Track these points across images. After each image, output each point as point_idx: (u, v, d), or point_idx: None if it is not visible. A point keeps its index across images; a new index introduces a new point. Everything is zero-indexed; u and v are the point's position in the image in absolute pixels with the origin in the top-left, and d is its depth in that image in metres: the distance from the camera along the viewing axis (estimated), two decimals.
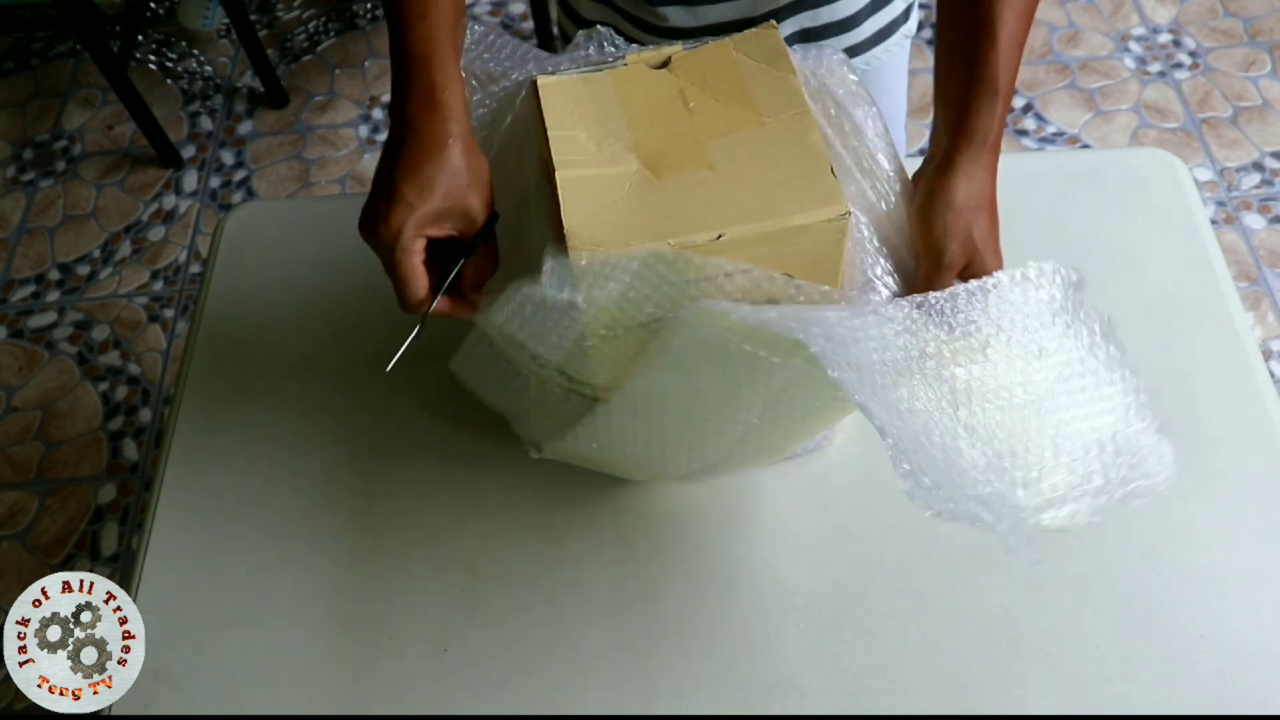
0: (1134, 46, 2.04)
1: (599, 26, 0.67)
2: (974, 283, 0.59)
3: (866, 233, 0.61)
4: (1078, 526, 0.56)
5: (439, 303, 0.59)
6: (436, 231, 0.58)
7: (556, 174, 0.57)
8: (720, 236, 0.54)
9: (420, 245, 0.58)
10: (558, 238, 0.55)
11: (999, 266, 0.61)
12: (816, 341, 0.51)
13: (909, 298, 0.58)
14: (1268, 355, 1.65)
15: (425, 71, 0.58)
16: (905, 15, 0.90)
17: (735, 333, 0.55)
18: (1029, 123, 1.94)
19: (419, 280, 0.58)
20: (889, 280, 0.61)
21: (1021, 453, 0.57)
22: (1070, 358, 0.60)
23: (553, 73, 0.62)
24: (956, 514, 0.50)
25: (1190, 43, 2.04)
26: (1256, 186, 1.83)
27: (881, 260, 0.61)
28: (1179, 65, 2.00)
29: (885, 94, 0.94)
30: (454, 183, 0.57)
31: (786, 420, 0.66)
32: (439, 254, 0.59)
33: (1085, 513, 0.56)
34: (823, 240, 0.56)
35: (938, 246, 0.61)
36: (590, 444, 0.67)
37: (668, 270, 0.54)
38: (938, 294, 0.58)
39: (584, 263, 0.54)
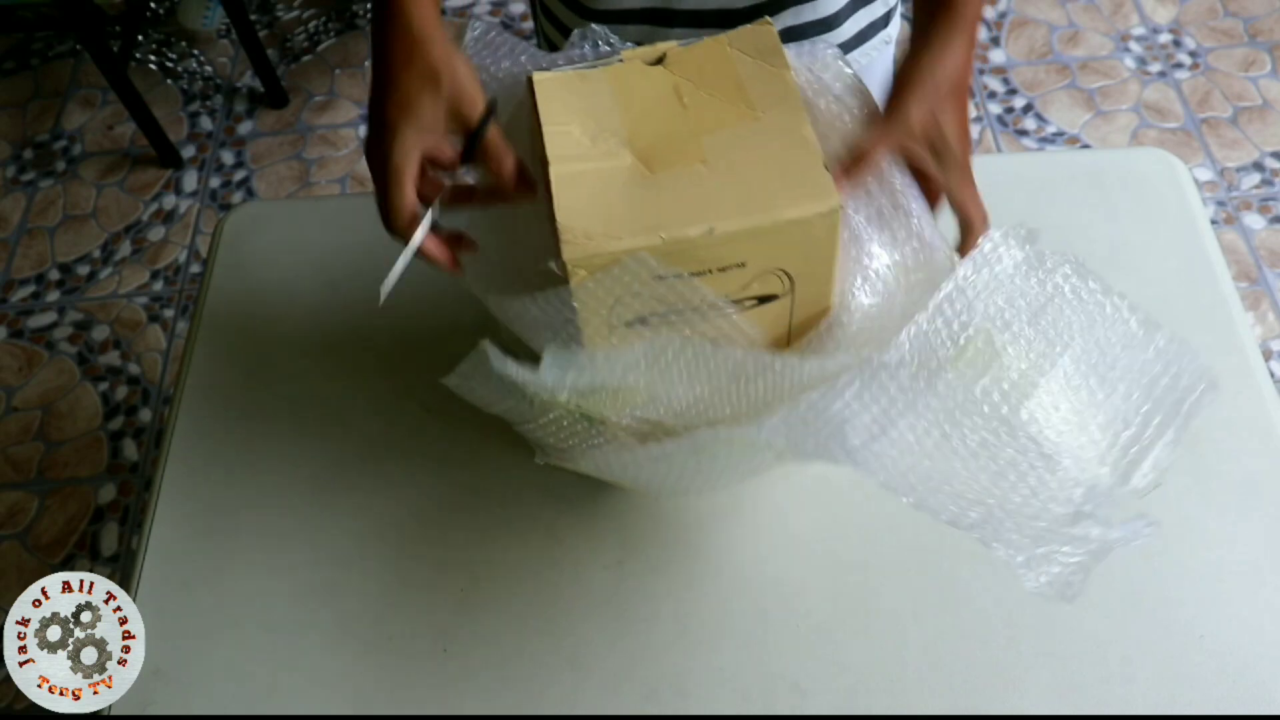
0: (1134, 46, 2.04)
1: (593, 25, 0.67)
2: (945, 287, 0.58)
3: (864, 227, 0.61)
4: (1164, 474, 0.55)
5: (428, 242, 0.60)
6: (432, 143, 0.59)
7: (550, 169, 0.57)
8: (712, 231, 0.54)
9: (410, 165, 0.58)
10: (552, 233, 0.55)
11: (964, 156, 0.61)
12: (840, 456, 0.52)
13: (897, 342, 0.57)
14: (1268, 355, 1.65)
15: (391, 11, 0.58)
16: (885, 20, 0.90)
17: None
18: (1029, 123, 1.94)
19: (402, 198, 0.58)
20: (885, 272, 0.61)
21: (1076, 430, 0.57)
22: (1064, 313, 0.60)
23: (548, 69, 0.63)
24: (1079, 574, 0.51)
25: (1190, 43, 2.04)
26: (1256, 186, 1.83)
27: (877, 251, 0.61)
28: (1179, 65, 2.00)
29: None
30: (439, 90, 0.57)
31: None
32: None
33: (1165, 456, 0.56)
34: (816, 234, 0.56)
35: (899, 111, 0.60)
36: (597, 469, 0.67)
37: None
38: (922, 316, 0.57)
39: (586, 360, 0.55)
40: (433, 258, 0.61)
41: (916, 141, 0.61)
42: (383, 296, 0.59)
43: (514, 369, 0.55)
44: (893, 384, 0.54)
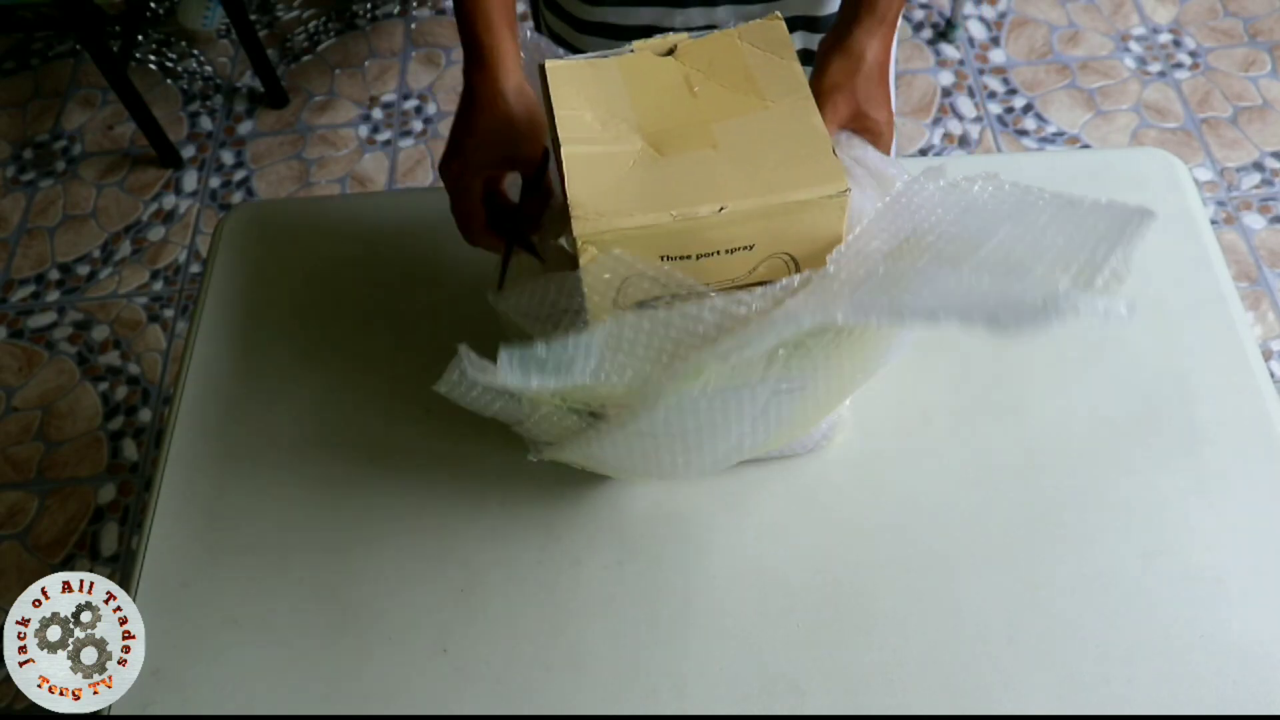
0: (1134, 46, 2.04)
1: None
2: (864, 218, 0.60)
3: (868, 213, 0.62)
4: (1123, 276, 0.54)
5: (494, 237, 0.70)
6: (495, 173, 0.69)
7: (562, 149, 0.58)
8: (722, 209, 0.54)
9: (477, 186, 0.68)
10: (563, 210, 0.56)
11: (887, 119, 0.68)
12: (803, 320, 0.53)
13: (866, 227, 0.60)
14: (1268, 355, 1.65)
15: (474, 34, 0.66)
16: None
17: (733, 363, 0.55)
18: (1029, 123, 1.94)
19: (473, 215, 0.69)
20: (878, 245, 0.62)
21: (1029, 269, 0.57)
22: (987, 211, 0.61)
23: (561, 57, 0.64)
24: (1049, 313, 0.49)
25: (1190, 43, 2.04)
26: (1256, 186, 1.83)
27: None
28: (1179, 65, 2.00)
29: None
30: (503, 134, 0.66)
31: (782, 416, 0.66)
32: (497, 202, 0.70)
33: (1122, 261, 0.55)
34: (823, 216, 0.56)
35: (825, 96, 0.66)
36: (589, 457, 0.67)
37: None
38: (849, 236, 0.60)
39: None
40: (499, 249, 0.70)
41: (851, 124, 0.68)
42: (500, 284, 0.68)
43: (487, 373, 0.55)
44: (834, 283, 0.57)
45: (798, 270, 0.59)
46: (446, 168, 0.68)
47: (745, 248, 0.57)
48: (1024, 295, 0.52)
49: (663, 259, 0.56)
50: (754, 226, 0.56)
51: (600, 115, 0.60)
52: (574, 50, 0.85)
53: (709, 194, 0.55)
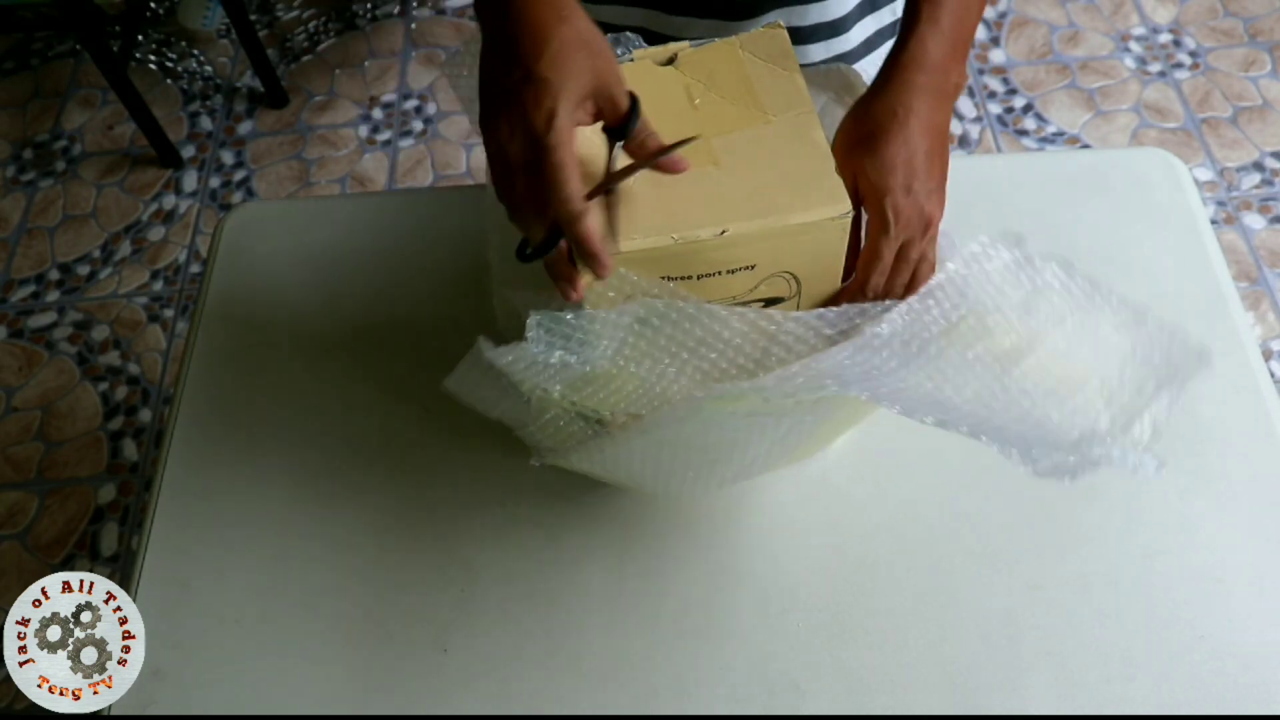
0: (1134, 46, 2.04)
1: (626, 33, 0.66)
2: (935, 277, 0.58)
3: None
4: (1161, 432, 0.55)
5: (563, 264, 0.51)
6: (583, 117, 0.50)
7: None
8: (724, 232, 0.54)
9: (573, 133, 0.48)
10: None
11: (886, 189, 0.55)
12: (851, 390, 0.51)
13: (890, 314, 0.56)
14: (1268, 355, 1.65)
15: None
16: (894, 28, 0.89)
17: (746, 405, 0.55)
18: (1029, 123, 1.94)
19: (575, 173, 0.47)
20: None
21: (1071, 392, 0.57)
22: (1053, 302, 0.60)
23: None
24: (1081, 466, 0.50)
25: (1190, 43, 2.04)
26: (1256, 186, 1.83)
27: None
28: (1179, 65, 2.00)
29: None
30: (595, 59, 0.49)
31: (796, 442, 0.66)
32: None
33: (1162, 414, 0.56)
34: (826, 238, 0.56)
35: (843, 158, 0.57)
36: (594, 464, 0.67)
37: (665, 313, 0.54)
38: (913, 298, 0.57)
39: (576, 319, 0.53)
40: (564, 279, 0.52)
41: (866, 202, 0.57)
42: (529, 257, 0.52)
43: (508, 356, 0.54)
44: (885, 350, 0.54)
45: (799, 289, 0.59)
46: (529, 107, 0.47)
47: (746, 267, 0.56)
48: (1061, 432, 0.52)
49: (664, 279, 0.56)
50: (755, 248, 0.55)
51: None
52: None
53: (710, 216, 0.54)
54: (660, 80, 0.61)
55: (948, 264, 0.59)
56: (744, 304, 0.58)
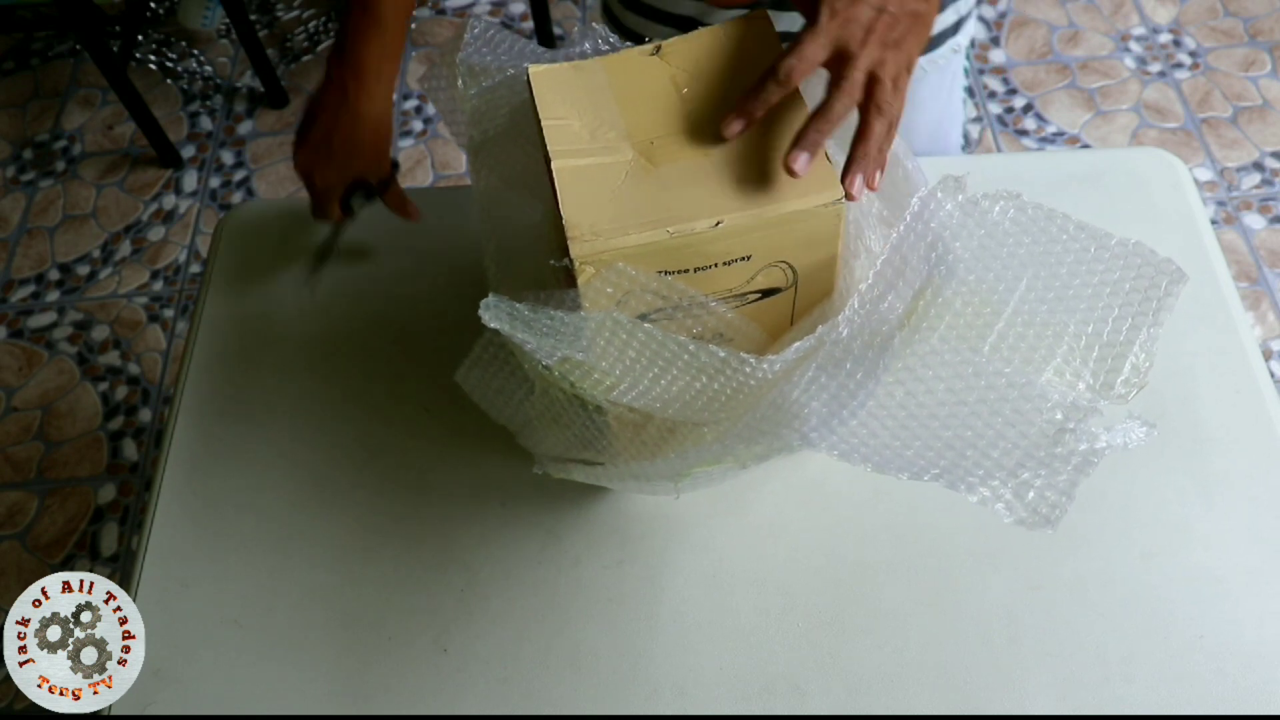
0: (1134, 46, 2.04)
1: (594, 25, 0.67)
2: (881, 253, 0.57)
3: (868, 208, 0.62)
4: (1146, 376, 0.53)
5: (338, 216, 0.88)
6: (336, 181, 0.84)
7: (553, 164, 0.57)
8: (719, 224, 0.54)
9: (340, 190, 0.85)
10: (557, 229, 0.55)
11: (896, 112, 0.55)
12: (821, 447, 0.51)
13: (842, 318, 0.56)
14: (1268, 355, 1.65)
15: (356, 48, 0.77)
16: (955, 28, 0.88)
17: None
18: (1029, 123, 1.94)
19: (332, 209, 0.86)
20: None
21: (1045, 354, 0.55)
22: (1007, 245, 0.57)
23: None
24: (1072, 480, 0.50)
25: (1190, 43, 2.04)
26: (1256, 186, 1.83)
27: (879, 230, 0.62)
28: (1179, 65, 2.00)
29: (933, 100, 0.93)
30: (372, 149, 0.82)
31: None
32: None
33: (1144, 356, 0.54)
34: (820, 224, 0.56)
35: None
36: (592, 479, 0.67)
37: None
38: (864, 284, 0.55)
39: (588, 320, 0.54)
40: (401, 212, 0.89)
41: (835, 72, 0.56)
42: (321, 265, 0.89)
43: (525, 312, 0.54)
44: (849, 359, 0.53)
45: (796, 279, 0.59)
46: (297, 159, 0.83)
47: (743, 258, 0.56)
48: (1045, 413, 0.51)
49: (661, 273, 0.56)
50: (750, 238, 0.55)
51: (588, 123, 0.58)
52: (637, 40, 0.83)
53: (704, 208, 0.54)
54: (646, 70, 0.61)
55: (891, 234, 0.57)
56: (741, 296, 0.58)
